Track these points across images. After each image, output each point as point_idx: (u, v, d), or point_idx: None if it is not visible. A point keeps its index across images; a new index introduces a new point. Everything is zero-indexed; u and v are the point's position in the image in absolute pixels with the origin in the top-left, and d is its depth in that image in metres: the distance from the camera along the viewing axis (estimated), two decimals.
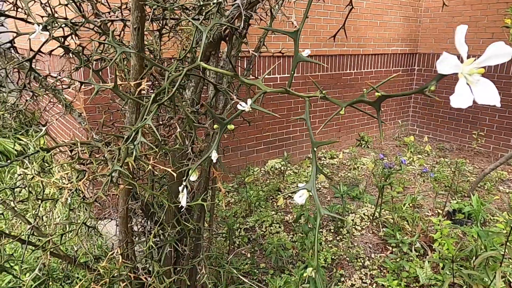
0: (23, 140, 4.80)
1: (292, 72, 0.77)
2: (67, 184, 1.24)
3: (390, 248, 2.99)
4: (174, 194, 1.85)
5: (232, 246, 2.92)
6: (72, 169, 1.22)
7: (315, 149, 0.57)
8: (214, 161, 0.70)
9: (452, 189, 3.93)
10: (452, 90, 0.48)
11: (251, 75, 2.04)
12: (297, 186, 3.94)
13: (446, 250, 2.59)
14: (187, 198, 0.73)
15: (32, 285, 2.19)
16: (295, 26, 0.81)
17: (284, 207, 3.62)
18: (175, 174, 1.26)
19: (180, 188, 0.63)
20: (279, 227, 3.22)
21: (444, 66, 0.48)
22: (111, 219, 1.81)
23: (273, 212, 3.46)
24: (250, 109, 0.74)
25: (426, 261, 2.63)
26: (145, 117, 0.97)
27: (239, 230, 3.16)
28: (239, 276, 2.48)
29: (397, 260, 2.78)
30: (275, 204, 3.68)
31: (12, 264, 2.35)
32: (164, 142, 1.56)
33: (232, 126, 0.78)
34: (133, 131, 0.88)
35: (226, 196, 3.61)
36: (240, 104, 0.71)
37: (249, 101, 0.75)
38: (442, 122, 5.94)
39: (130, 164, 1.31)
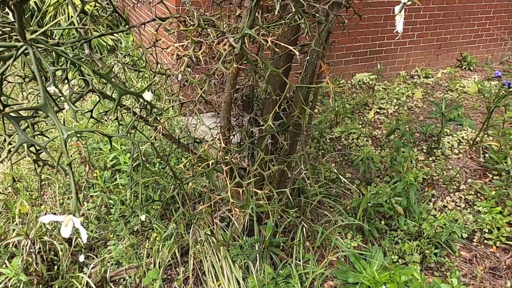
0: (114, 36, 4.96)
1: None
2: (184, 53, 1.18)
3: (490, 176, 2.73)
4: (277, 85, 1.75)
5: (318, 153, 2.87)
6: (190, 39, 1.14)
7: None
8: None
9: None
10: None
11: None
12: (386, 102, 3.63)
13: None
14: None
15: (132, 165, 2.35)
16: None
17: (372, 122, 3.42)
18: (297, 52, 1.13)
19: (397, 9, 0.50)
20: (367, 140, 3.07)
21: None
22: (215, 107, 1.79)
23: (360, 126, 3.29)
24: None
25: None
26: None
27: (324, 139, 3.08)
28: (326, 182, 2.46)
29: (499, 188, 2.54)
30: (362, 118, 3.49)
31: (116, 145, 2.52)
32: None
33: None
34: None
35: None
36: None
37: None
38: None
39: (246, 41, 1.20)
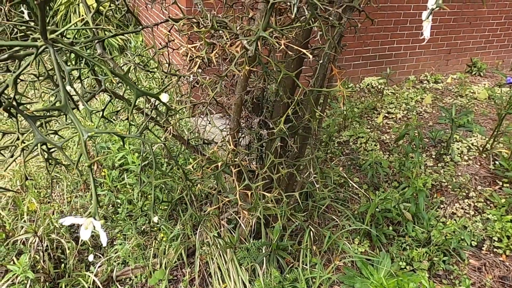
0: (124, 36, 4.99)
1: None
2: (196, 55, 1.17)
3: (500, 183, 2.70)
4: (288, 88, 1.74)
5: (326, 156, 2.86)
6: (204, 40, 1.14)
7: None
8: None
9: None
10: None
11: None
12: (395, 107, 3.61)
13: None
14: None
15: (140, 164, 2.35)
16: None
17: (381, 126, 3.40)
18: (310, 56, 1.12)
19: (424, 15, 0.48)
20: (375, 145, 3.05)
21: None
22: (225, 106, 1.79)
23: (369, 130, 3.27)
24: None
25: None
26: None
27: (332, 142, 3.06)
28: (335, 186, 2.44)
29: (509, 196, 2.51)
30: (370, 122, 3.47)
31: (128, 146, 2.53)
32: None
33: None
34: None
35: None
36: None
37: None
38: None
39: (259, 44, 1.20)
